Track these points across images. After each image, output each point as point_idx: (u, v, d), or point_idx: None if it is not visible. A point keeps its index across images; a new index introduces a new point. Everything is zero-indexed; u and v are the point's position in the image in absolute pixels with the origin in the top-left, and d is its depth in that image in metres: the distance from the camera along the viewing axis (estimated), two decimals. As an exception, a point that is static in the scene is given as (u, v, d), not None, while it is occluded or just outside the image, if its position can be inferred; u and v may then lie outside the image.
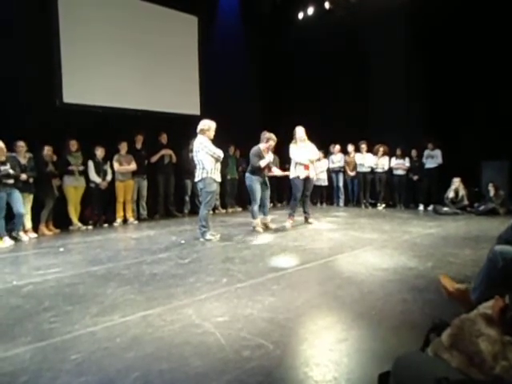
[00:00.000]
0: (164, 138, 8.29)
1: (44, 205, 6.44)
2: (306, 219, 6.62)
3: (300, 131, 6.45)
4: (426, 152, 8.63)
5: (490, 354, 1.04)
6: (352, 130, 9.50)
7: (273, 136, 6.12)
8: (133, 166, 7.50)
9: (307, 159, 6.35)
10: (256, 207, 6.04)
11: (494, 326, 1.09)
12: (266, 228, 6.16)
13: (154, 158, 8.05)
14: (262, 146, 6.10)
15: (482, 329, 1.10)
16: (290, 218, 6.34)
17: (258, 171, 6.02)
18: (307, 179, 6.39)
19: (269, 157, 6.15)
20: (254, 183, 5.98)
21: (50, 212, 6.56)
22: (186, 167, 8.10)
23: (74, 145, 6.89)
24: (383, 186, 9.15)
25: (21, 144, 6.05)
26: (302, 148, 6.39)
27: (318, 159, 6.85)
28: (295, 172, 6.37)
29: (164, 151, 8.14)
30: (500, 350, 1.03)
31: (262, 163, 5.98)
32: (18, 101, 6.63)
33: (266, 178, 6.25)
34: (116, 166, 7.32)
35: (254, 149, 6.09)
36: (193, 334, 2.29)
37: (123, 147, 7.48)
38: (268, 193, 6.28)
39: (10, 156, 5.84)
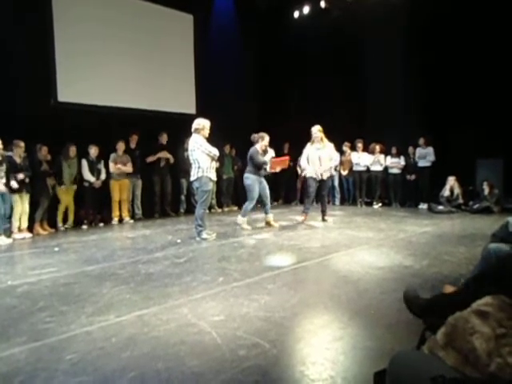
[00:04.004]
0: (164, 138, 8.22)
1: (38, 204, 6.39)
2: (323, 217, 6.68)
3: (314, 131, 6.50)
4: (418, 151, 8.67)
5: (485, 351, 1.04)
6: (348, 128, 9.51)
7: (264, 135, 6.27)
8: (128, 168, 7.44)
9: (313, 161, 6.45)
10: (251, 206, 6.14)
11: (488, 322, 1.10)
12: (269, 226, 6.24)
13: (150, 159, 7.99)
14: (257, 146, 6.23)
15: (475, 326, 1.11)
16: (302, 214, 6.54)
17: (257, 170, 6.13)
18: (321, 180, 6.50)
19: (270, 153, 6.35)
20: (254, 182, 6.09)
21: (45, 211, 6.52)
22: (181, 166, 8.08)
23: (73, 151, 6.83)
24: (379, 185, 9.18)
25: (21, 144, 6.00)
26: (316, 149, 6.46)
27: (330, 160, 6.69)
28: (308, 171, 6.56)
29: (162, 154, 8.06)
30: (494, 348, 1.04)
31: (267, 157, 6.21)
32: (12, 99, 6.58)
33: (262, 178, 6.29)
34: (111, 166, 7.28)
35: (253, 149, 6.20)
36: (189, 334, 2.29)
37: (120, 147, 7.42)
38: (268, 191, 6.33)
39: (6, 156, 5.79)
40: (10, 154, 5.89)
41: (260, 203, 6.44)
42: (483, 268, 2.26)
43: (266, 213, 6.32)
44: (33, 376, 1.87)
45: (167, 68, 9.11)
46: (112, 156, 7.33)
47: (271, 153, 6.36)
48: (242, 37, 10.47)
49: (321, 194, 6.72)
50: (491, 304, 1.14)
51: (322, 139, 6.48)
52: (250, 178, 6.14)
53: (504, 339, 1.05)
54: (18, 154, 5.99)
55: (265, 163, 6.16)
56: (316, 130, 6.48)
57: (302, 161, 6.70)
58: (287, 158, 7.07)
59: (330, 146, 6.61)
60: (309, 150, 6.55)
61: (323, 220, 6.66)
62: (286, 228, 6.14)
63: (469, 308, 1.18)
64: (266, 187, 6.28)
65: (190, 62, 9.64)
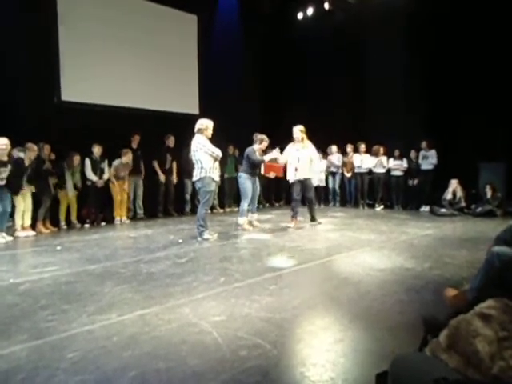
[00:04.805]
0: (171, 141, 8.20)
1: (41, 203, 6.40)
2: (311, 219, 6.45)
3: (295, 131, 6.21)
4: (422, 153, 8.67)
5: (488, 354, 1.04)
6: (350, 130, 9.52)
7: (265, 137, 6.34)
8: (121, 186, 7.32)
9: (290, 161, 6.19)
10: (246, 206, 6.19)
11: (490, 325, 1.09)
12: (252, 226, 6.30)
13: (158, 170, 8.00)
14: (255, 146, 6.30)
15: (478, 329, 1.10)
16: (291, 220, 6.32)
17: (253, 170, 6.21)
18: (303, 181, 6.19)
19: (274, 153, 6.33)
20: (248, 182, 6.16)
21: (47, 210, 6.53)
22: (185, 167, 8.07)
23: (77, 159, 6.84)
24: (381, 187, 9.15)
25: (34, 148, 6.05)
26: (296, 149, 6.18)
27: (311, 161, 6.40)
28: (289, 173, 6.31)
29: (162, 177, 8.02)
30: (497, 351, 1.04)
31: (267, 157, 6.24)
32: (15, 98, 6.60)
33: (257, 178, 6.40)
34: (112, 172, 7.26)
35: (249, 149, 6.27)
36: (190, 334, 2.29)
37: (127, 157, 7.33)
38: (258, 192, 6.42)
39: (18, 158, 5.80)
40: (21, 155, 5.91)
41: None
42: (487, 271, 2.25)
43: (252, 212, 6.42)
44: (34, 374, 1.87)
45: (171, 68, 9.12)
46: (115, 163, 7.28)
47: (275, 153, 6.34)
48: (246, 37, 10.48)
49: (306, 197, 6.32)
50: (494, 307, 1.14)
51: (302, 140, 6.17)
52: (242, 177, 6.23)
53: (507, 342, 1.04)
54: (29, 156, 6.00)
55: (262, 162, 6.23)
56: (297, 130, 6.18)
57: (282, 157, 6.37)
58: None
59: (310, 147, 6.30)
60: (289, 150, 6.29)
61: (312, 222, 6.39)
62: (288, 229, 6.13)
63: (472, 311, 1.18)
64: (258, 188, 6.39)
65: (193, 63, 9.66)
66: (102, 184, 7.13)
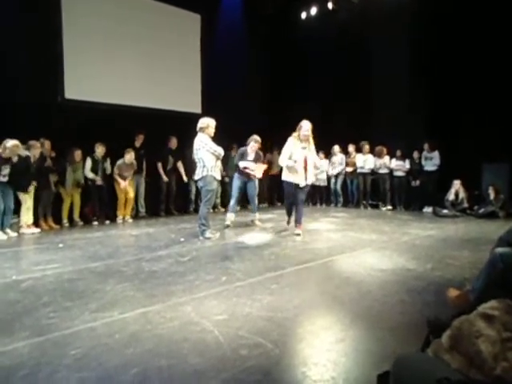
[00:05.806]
0: (173, 143, 8.19)
1: (40, 200, 6.39)
2: (296, 226, 5.60)
3: (305, 127, 5.37)
4: (424, 154, 8.64)
5: (491, 354, 1.04)
6: (353, 130, 9.49)
7: (255, 137, 6.45)
8: (124, 184, 7.27)
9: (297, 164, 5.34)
10: (231, 202, 6.45)
11: (493, 326, 1.09)
12: (254, 225, 6.44)
13: (161, 172, 8.02)
14: (248, 147, 6.46)
15: (481, 329, 1.10)
16: (287, 222, 6.00)
17: (240, 170, 6.41)
18: (298, 185, 5.42)
19: (248, 161, 6.35)
20: (235, 181, 6.50)
21: (47, 207, 6.53)
22: (189, 167, 8.06)
23: (78, 155, 6.83)
24: (388, 188, 9.08)
25: (38, 145, 6.13)
26: (302, 148, 5.38)
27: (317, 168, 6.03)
28: (285, 173, 5.52)
29: (164, 178, 8.05)
30: (500, 351, 1.04)
31: (241, 164, 6.38)
32: (19, 96, 6.61)
33: (248, 179, 6.46)
34: (116, 172, 7.25)
35: (241, 149, 6.55)
36: (191, 332, 2.29)
37: (129, 156, 7.28)
38: (253, 192, 6.50)
39: (26, 156, 5.85)
40: (27, 153, 5.93)
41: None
42: (489, 272, 2.25)
43: (253, 212, 6.63)
44: (36, 370, 1.88)
45: (174, 67, 9.13)
46: (118, 163, 7.25)
47: (249, 163, 6.30)
48: (249, 36, 10.48)
49: (298, 197, 5.46)
50: (497, 307, 1.14)
51: (308, 139, 5.43)
52: (234, 177, 6.59)
53: (510, 343, 1.04)
54: (33, 154, 6.04)
55: (237, 166, 6.41)
56: (308, 128, 5.36)
57: (283, 159, 5.42)
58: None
59: (313, 149, 5.59)
60: (293, 148, 5.37)
61: (296, 228, 5.57)
62: (290, 229, 6.12)
63: (474, 311, 1.18)
64: (250, 189, 6.49)
65: (196, 62, 9.67)
66: (101, 181, 7.04)
